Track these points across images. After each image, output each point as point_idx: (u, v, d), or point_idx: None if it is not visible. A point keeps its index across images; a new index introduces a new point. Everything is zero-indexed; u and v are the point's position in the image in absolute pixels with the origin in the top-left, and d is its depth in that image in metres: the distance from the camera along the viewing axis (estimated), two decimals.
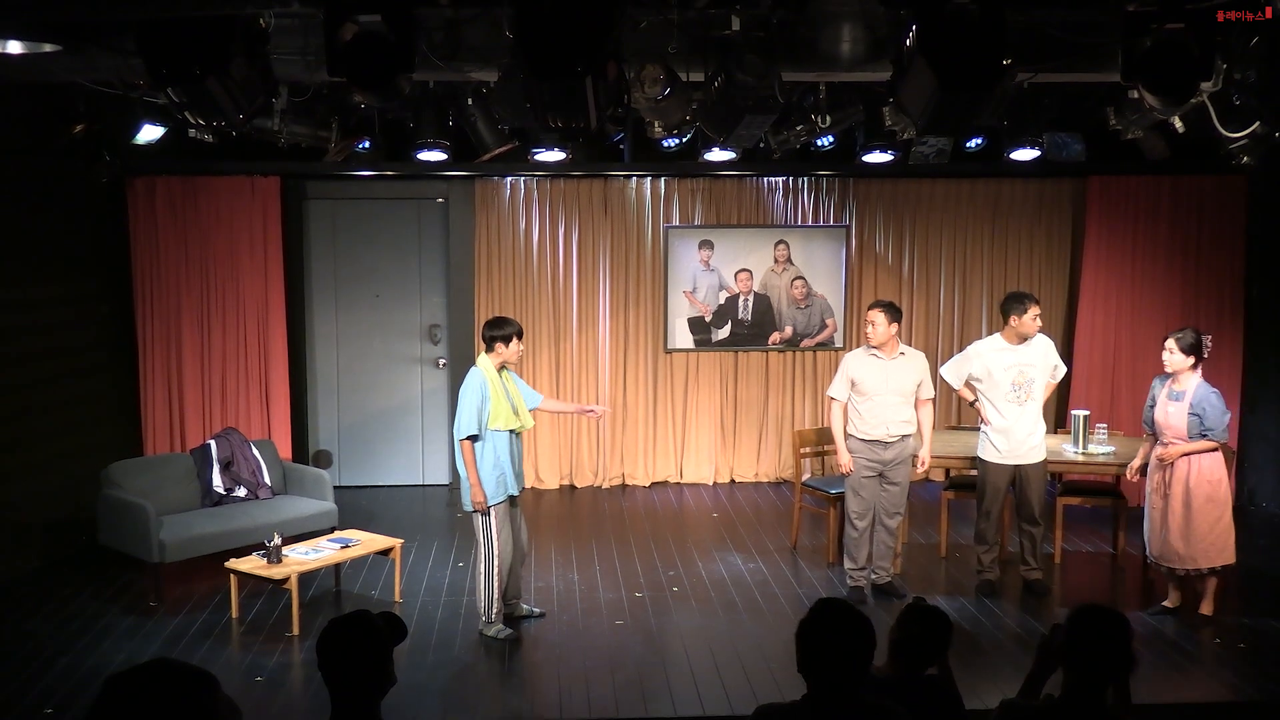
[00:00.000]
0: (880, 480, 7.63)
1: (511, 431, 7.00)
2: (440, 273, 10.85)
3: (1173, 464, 7.11)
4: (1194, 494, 7.09)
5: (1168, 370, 7.17)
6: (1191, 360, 7.09)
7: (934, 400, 7.85)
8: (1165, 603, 7.42)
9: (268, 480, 8.87)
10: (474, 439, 6.86)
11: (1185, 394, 7.10)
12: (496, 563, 6.98)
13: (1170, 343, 7.14)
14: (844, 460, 7.61)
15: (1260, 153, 7.10)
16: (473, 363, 10.13)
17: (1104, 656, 3.33)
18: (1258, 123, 6.34)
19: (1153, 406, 7.28)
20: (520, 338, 7.04)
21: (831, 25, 5.86)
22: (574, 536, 9.29)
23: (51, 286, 8.95)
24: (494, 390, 6.90)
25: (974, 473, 8.04)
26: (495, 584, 7.00)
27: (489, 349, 6.98)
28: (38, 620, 7.42)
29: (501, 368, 7.01)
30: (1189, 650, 6.92)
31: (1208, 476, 7.10)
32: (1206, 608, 7.33)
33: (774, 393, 11.06)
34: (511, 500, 7.08)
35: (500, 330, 6.98)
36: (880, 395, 7.50)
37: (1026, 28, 5.53)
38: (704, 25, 5.78)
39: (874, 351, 7.56)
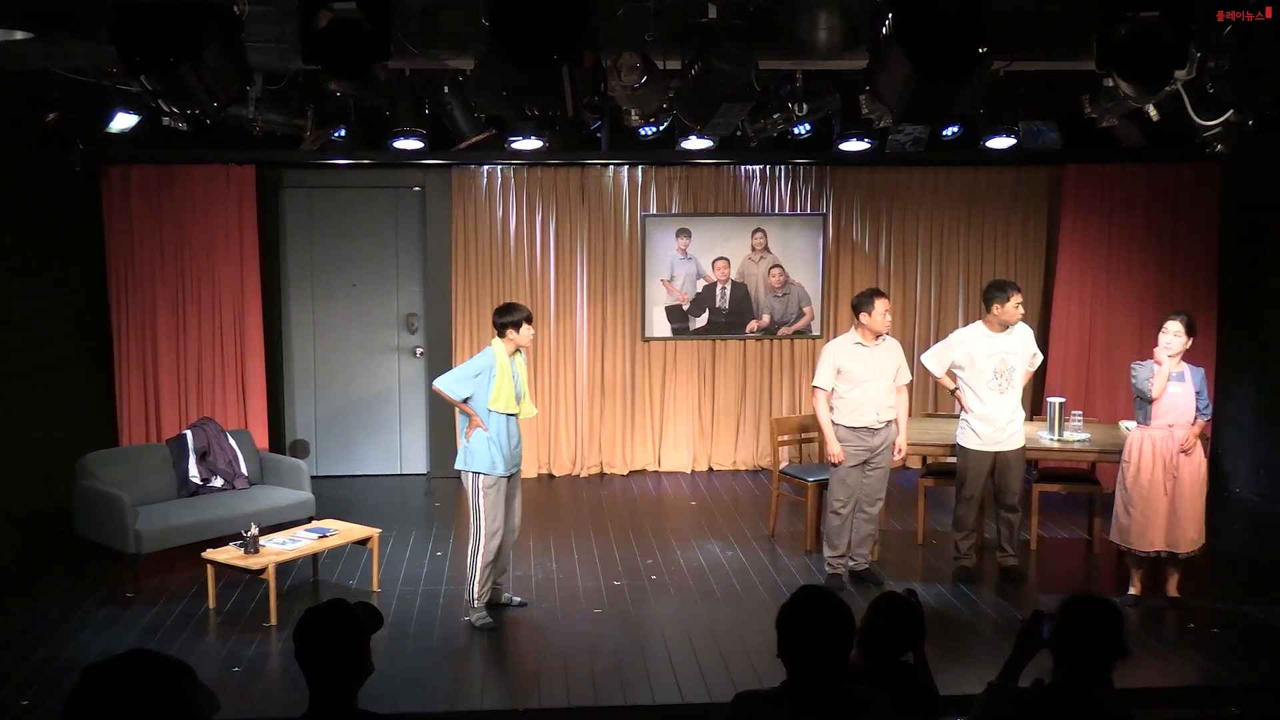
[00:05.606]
0: (863, 467, 7.65)
1: (511, 415, 7.03)
2: (417, 261, 10.82)
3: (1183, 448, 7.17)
4: (1197, 476, 7.20)
5: (1172, 353, 7.11)
6: (1190, 341, 7.15)
7: (910, 386, 7.87)
8: (1168, 590, 7.45)
9: (244, 470, 8.84)
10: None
11: (1184, 374, 7.17)
12: (484, 542, 6.99)
13: (1177, 325, 7.12)
14: (835, 450, 7.60)
15: (1234, 141, 7.13)
16: (453, 351, 10.18)
17: (1095, 646, 3.36)
18: (1231, 111, 6.37)
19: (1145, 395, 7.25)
20: (530, 322, 7.07)
21: (808, 13, 5.87)
22: (552, 525, 9.29)
23: (24, 276, 8.89)
24: (500, 372, 6.94)
25: (952, 460, 8.08)
26: (480, 562, 6.99)
27: (500, 335, 7.00)
28: (14, 612, 7.37)
29: (515, 351, 7.06)
30: (1163, 635, 6.99)
31: (1202, 458, 7.25)
32: (1174, 589, 7.42)
33: (752, 381, 11.08)
34: (510, 477, 7.12)
35: (509, 316, 7.01)
36: (869, 382, 7.52)
37: (1002, 15, 5.55)
38: (681, 13, 5.77)
39: (859, 340, 7.57)
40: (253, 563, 7.15)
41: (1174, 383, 7.15)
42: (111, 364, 9.96)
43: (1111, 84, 5.59)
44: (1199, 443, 7.24)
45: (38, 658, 6.64)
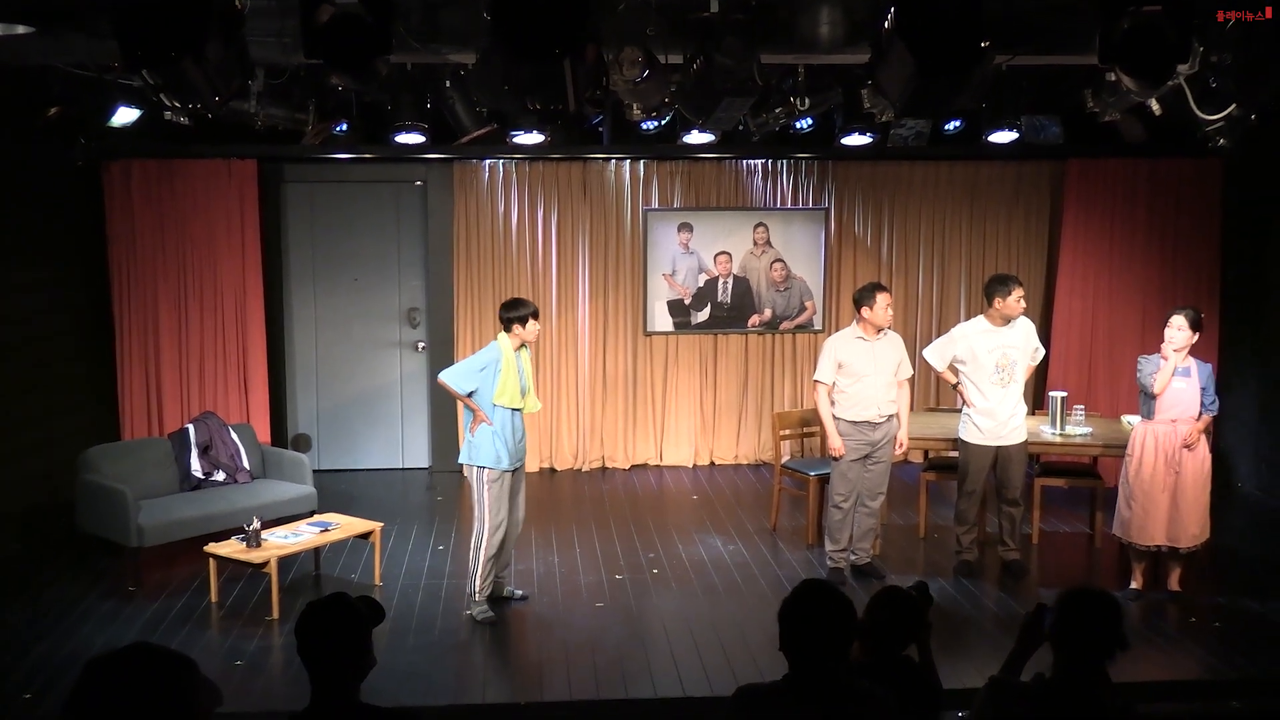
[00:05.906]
0: (864, 461, 7.65)
1: (515, 409, 7.04)
2: (419, 256, 10.82)
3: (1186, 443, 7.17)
4: (1200, 471, 7.20)
5: (1176, 348, 7.09)
6: (1196, 336, 7.13)
7: (911, 380, 7.87)
8: (1170, 585, 7.45)
9: (246, 464, 8.84)
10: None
11: (1191, 370, 7.16)
12: (487, 536, 7.00)
13: (1181, 320, 7.10)
14: (837, 445, 7.60)
15: (1236, 136, 7.12)
16: (454, 345, 10.18)
17: (1094, 638, 3.36)
18: (1234, 105, 6.37)
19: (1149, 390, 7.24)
20: (536, 317, 7.07)
21: (810, 8, 5.87)
22: (554, 519, 9.30)
23: (26, 271, 8.88)
24: (506, 366, 6.95)
25: (953, 454, 8.07)
26: (483, 556, 7.01)
27: (506, 330, 7.00)
28: (16, 606, 7.38)
29: (521, 346, 7.07)
30: (1165, 629, 6.99)
31: (1206, 453, 7.25)
32: (1175, 583, 7.42)
33: (753, 375, 11.08)
34: (514, 471, 7.14)
35: (516, 312, 7.02)
36: (870, 376, 7.52)
37: (1004, 10, 5.54)
38: (683, 7, 5.78)
39: (860, 334, 7.57)
40: (255, 557, 7.16)
41: (1179, 378, 7.14)
42: (113, 358, 9.96)
43: (1114, 78, 5.58)
44: (1203, 438, 7.24)
45: (40, 652, 6.65)
